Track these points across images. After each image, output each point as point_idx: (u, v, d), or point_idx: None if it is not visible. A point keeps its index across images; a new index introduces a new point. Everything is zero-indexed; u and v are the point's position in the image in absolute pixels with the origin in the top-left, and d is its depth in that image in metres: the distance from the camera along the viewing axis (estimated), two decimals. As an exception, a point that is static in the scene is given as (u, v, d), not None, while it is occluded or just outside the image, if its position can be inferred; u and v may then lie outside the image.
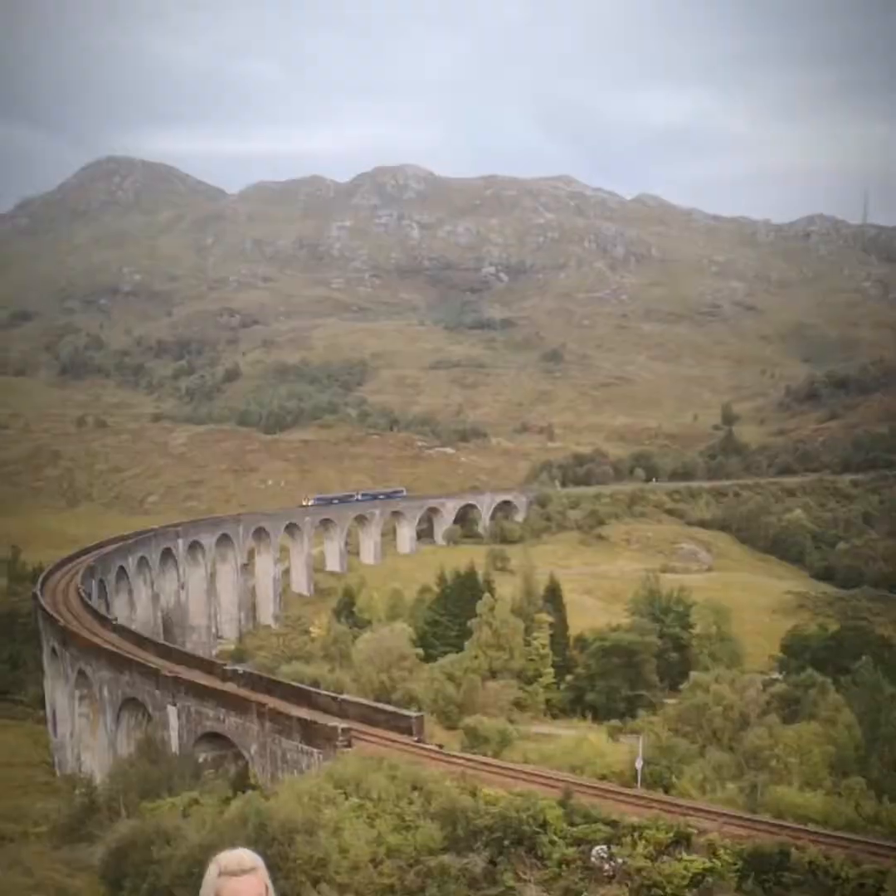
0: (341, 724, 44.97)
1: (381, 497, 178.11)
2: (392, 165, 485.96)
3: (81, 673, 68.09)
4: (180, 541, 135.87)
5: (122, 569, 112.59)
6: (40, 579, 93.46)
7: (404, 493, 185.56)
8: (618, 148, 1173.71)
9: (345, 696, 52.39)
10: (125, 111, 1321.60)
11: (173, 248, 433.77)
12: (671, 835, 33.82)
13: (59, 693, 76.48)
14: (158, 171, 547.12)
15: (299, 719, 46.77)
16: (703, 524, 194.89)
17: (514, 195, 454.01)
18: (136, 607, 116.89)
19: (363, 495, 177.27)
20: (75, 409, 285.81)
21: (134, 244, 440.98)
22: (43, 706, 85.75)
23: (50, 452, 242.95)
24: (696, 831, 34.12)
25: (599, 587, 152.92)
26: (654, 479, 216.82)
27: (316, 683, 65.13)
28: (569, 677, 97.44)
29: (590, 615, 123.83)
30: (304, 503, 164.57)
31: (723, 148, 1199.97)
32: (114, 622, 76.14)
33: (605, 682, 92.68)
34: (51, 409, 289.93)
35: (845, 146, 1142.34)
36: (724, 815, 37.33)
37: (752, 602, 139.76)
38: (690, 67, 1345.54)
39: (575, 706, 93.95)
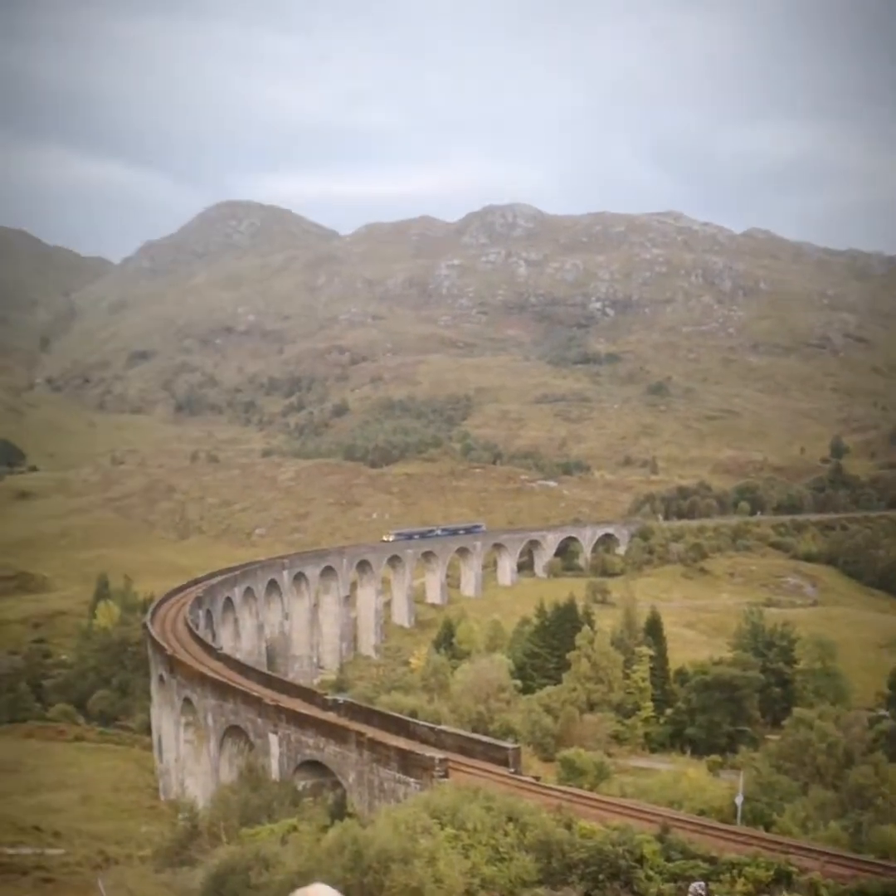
0: (438, 755, 44.97)
1: (461, 532, 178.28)
2: (501, 204, 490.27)
3: (187, 700, 69.51)
4: (285, 572, 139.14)
5: (228, 599, 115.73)
6: (151, 609, 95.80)
7: (483, 528, 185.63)
8: (727, 183, 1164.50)
9: (442, 727, 52.38)
10: (245, 156, 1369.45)
11: (286, 288, 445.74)
12: (771, 873, 32.67)
13: (165, 720, 77.66)
14: (274, 213, 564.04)
15: (397, 749, 46.86)
16: (809, 558, 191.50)
17: (622, 231, 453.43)
18: (242, 637, 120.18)
19: (443, 530, 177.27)
20: (189, 444, 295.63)
21: (249, 285, 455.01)
22: (149, 733, 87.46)
23: (164, 486, 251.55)
24: (797, 870, 32.99)
25: (701, 620, 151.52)
26: (759, 512, 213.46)
27: (414, 713, 65.23)
28: (668, 711, 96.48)
29: (691, 648, 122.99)
30: (385, 538, 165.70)
31: (834, 180, 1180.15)
32: (219, 651, 77.52)
33: (706, 716, 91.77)
34: (166, 444, 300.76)
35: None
36: (827, 853, 36.06)
37: (859, 637, 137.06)
38: (801, 101, 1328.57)
39: (674, 740, 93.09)
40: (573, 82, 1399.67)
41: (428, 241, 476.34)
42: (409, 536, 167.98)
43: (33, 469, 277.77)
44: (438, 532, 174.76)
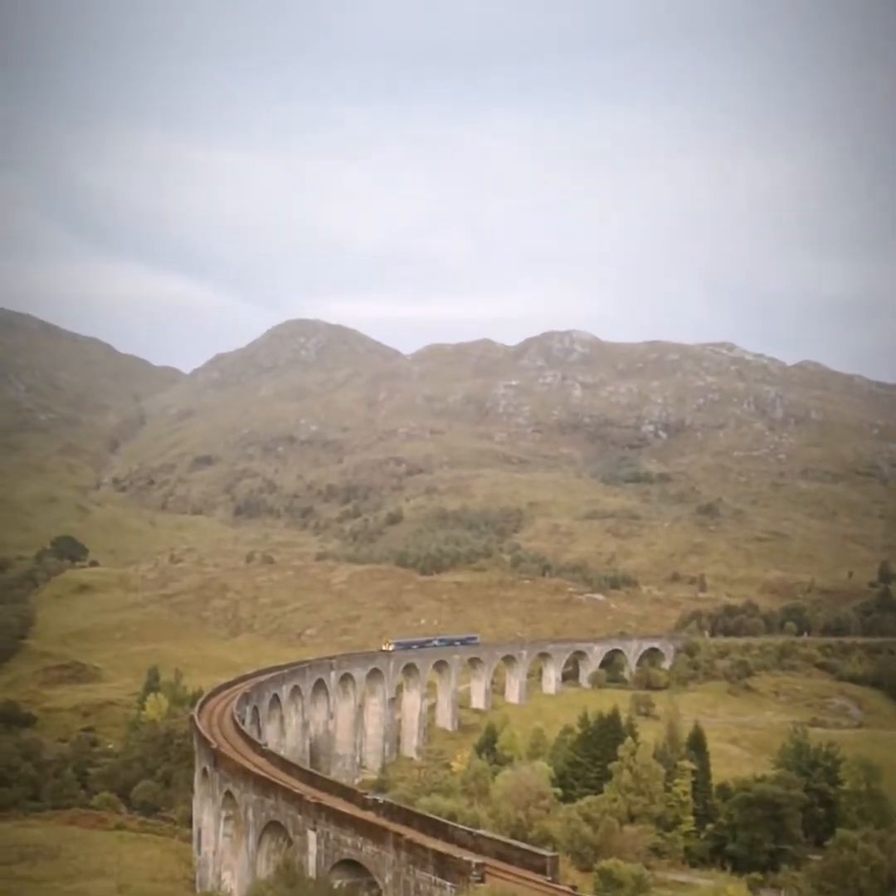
0: (475, 859, 44.18)
1: (457, 643, 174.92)
2: (559, 330, 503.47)
3: (229, 794, 69.44)
4: (333, 673, 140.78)
5: (275, 696, 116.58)
6: (199, 703, 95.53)
7: (477, 640, 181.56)
8: (780, 316, 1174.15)
9: (481, 832, 51.12)
10: (314, 278, 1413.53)
11: (348, 401, 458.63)
12: None
13: (206, 812, 77.25)
14: (340, 332, 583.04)
15: (434, 852, 46.17)
16: (854, 680, 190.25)
17: (677, 359, 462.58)
18: (287, 734, 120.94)
19: (440, 640, 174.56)
20: (246, 546, 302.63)
21: (312, 398, 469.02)
22: (190, 825, 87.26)
23: (219, 585, 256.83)
24: None
25: (745, 737, 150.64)
26: (805, 633, 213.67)
27: (453, 817, 64.93)
28: (710, 826, 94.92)
29: (734, 765, 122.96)
30: (384, 648, 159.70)
31: (887, 315, 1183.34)
32: (263, 747, 76.92)
33: (748, 833, 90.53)
34: (223, 545, 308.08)
35: None
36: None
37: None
38: (855, 238, 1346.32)
39: (715, 856, 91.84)
40: (633, 216, 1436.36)
41: (487, 363, 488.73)
42: (409, 646, 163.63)
43: (94, 564, 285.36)
44: (435, 642, 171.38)
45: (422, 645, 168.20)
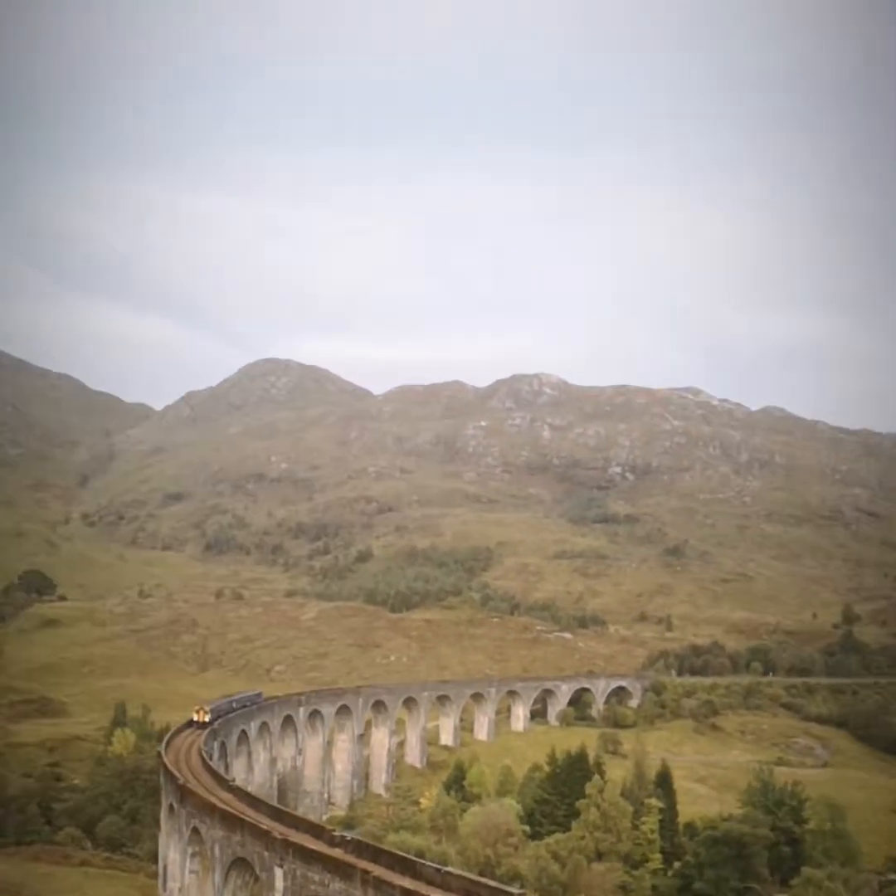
0: None
1: (249, 704, 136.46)
2: (528, 373, 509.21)
3: (195, 830, 68.41)
4: (302, 709, 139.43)
5: (243, 732, 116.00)
6: (166, 739, 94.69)
7: (262, 697, 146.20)
8: (745, 363, 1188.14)
9: (449, 869, 51.03)
10: (285, 320, 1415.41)
11: (318, 440, 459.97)
12: None
13: (172, 848, 76.02)
14: (311, 372, 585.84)
15: (402, 889, 45.85)
16: (819, 720, 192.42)
17: (644, 403, 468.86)
18: (254, 770, 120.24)
19: (235, 701, 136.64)
20: (215, 582, 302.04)
21: (283, 436, 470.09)
22: (156, 861, 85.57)
23: (188, 620, 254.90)
24: None
25: (712, 776, 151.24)
26: (771, 674, 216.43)
27: (421, 854, 65.00)
28: (677, 864, 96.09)
29: (701, 803, 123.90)
30: (195, 717, 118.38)
31: (848, 365, 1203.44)
32: (231, 783, 76.22)
33: (715, 871, 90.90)
34: (193, 581, 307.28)
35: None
36: None
37: (870, 800, 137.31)
38: (818, 291, 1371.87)
39: (682, 894, 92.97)
40: (601, 266, 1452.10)
41: (457, 404, 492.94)
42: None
43: (63, 598, 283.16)
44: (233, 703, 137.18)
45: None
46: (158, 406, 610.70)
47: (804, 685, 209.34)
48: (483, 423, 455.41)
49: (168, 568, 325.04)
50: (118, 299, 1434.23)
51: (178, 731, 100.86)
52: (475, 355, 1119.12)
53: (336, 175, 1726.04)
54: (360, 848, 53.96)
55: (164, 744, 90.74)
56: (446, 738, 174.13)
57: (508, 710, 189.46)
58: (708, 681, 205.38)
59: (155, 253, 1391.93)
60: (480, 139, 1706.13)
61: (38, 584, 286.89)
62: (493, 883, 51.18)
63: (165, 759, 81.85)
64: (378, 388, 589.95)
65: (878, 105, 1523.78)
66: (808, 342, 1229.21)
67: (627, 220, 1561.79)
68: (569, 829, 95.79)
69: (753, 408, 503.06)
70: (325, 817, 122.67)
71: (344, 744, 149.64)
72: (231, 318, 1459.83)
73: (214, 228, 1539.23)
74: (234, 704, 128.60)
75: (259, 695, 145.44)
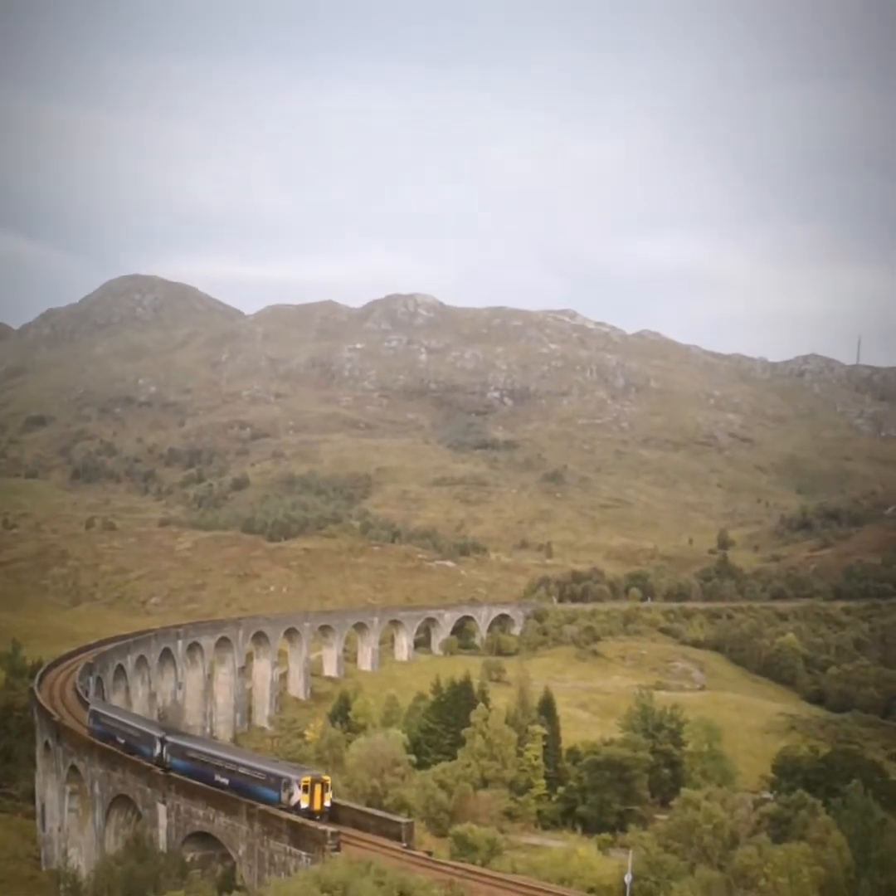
0: (331, 828, 44.56)
1: None
2: (403, 294, 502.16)
3: (73, 768, 67.42)
4: (180, 642, 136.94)
5: (120, 667, 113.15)
6: (38, 674, 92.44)
7: None
8: (619, 286, 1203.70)
9: (335, 800, 51.48)
10: (150, 236, 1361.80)
11: (189, 362, 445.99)
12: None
13: (49, 788, 75.11)
14: (178, 290, 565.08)
15: (288, 821, 46.12)
16: (696, 644, 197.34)
17: (520, 326, 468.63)
18: (133, 705, 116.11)
19: None
20: (85, 511, 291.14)
21: (151, 358, 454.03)
22: (32, 800, 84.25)
23: (57, 552, 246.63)
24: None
25: (593, 701, 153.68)
26: (649, 599, 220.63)
27: None
28: (560, 789, 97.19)
29: (583, 729, 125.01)
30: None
31: (721, 290, 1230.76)
32: None
33: (597, 795, 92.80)
34: (61, 510, 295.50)
35: (839, 292, 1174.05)
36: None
37: (744, 722, 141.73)
38: (691, 216, 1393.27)
39: (566, 818, 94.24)
40: (472, 186, 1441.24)
41: (331, 325, 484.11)
42: None
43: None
44: None
45: None
46: (15, 324, 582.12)
47: (681, 610, 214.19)
48: (359, 346, 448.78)
49: (34, 496, 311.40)
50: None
51: (51, 666, 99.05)
52: (347, 275, 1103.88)
53: (203, 87, 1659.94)
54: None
55: (37, 680, 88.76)
56: (330, 669, 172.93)
57: (392, 639, 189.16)
58: (588, 607, 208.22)
59: (8, 165, 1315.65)
60: (350, 55, 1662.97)
61: None
62: (380, 813, 52.86)
63: (39, 697, 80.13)
64: (249, 308, 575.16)
65: (742, 26, 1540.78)
66: (680, 265, 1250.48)
67: (496, 140, 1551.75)
68: (455, 758, 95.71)
69: (629, 332, 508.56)
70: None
71: (225, 677, 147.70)
72: (93, 234, 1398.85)
73: (67, 140, 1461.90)
74: None
75: None
